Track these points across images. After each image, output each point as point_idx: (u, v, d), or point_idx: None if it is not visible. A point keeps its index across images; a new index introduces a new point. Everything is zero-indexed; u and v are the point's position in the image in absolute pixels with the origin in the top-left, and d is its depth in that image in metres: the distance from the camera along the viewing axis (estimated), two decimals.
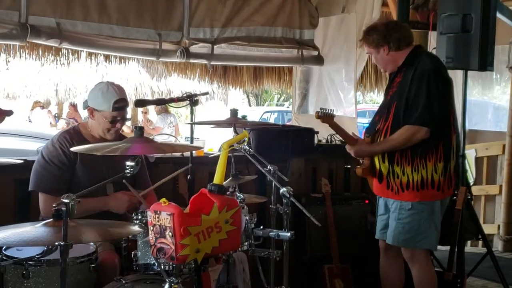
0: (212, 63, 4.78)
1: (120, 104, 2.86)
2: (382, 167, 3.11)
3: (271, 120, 15.47)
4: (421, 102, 2.95)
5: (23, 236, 1.97)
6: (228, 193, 2.77)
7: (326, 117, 3.11)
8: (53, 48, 5.19)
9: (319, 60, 5.10)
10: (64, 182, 2.76)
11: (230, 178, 2.95)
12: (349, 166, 4.23)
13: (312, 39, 5.01)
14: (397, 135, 3.01)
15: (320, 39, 5.13)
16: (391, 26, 3.13)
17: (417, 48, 3.15)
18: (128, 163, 2.13)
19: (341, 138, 4.29)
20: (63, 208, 1.84)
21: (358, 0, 4.88)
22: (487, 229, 5.25)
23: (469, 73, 3.84)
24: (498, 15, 4.10)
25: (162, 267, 2.07)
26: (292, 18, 4.86)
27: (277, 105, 21.55)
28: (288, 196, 2.47)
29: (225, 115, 3.10)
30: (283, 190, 2.48)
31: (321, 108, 3.12)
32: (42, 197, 2.77)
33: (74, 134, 2.88)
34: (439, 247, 4.05)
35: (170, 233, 1.77)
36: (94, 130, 2.91)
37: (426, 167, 3.02)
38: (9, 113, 2.36)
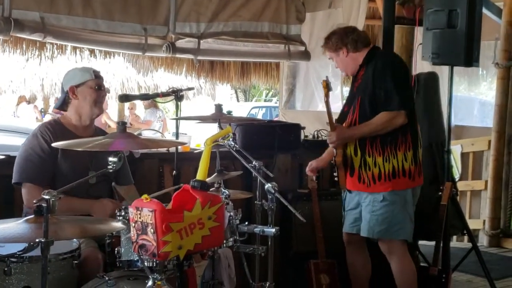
0: (199, 58, 4.74)
1: (98, 73, 2.90)
2: (354, 160, 3.21)
3: (259, 116, 15.45)
4: (393, 89, 3.10)
5: (4, 232, 1.95)
6: (213, 188, 2.77)
7: (329, 88, 3.25)
8: (37, 42, 5.13)
9: (306, 55, 5.08)
10: (47, 171, 2.73)
11: (215, 174, 2.94)
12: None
13: (299, 34, 4.99)
14: (376, 119, 3.11)
15: (307, 34, 5.12)
16: (348, 30, 3.34)
17: (375, 48, 3.35)
18: (111, 158, 2.10)
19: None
20: (44, 205, 1.81)
21: None
22: (473, 224, 5.30)
23: (456, 69, 3.84)
24: (484, 10, 4.12)
25: (146, 263, 2.05)
26: (279, 13, 4.84)
27: (265, 100, 21.52)
28: (273, 192, 2.46)
29: (212, 111, 3.08)
30: (268, 186, 2.47)
31: (327, 76, 3.33)
32: (26, 188, 2.74)
33: (56, 125, 2.86)
34: (424, 242, 4.10)
35: (152, 230, 1.75)
36: (77, 114, 2.85)
37: (396, 157, 3.13)
38: None
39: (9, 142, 5.88)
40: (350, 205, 3.35)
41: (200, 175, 1.88)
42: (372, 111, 3.13)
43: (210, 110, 3.09)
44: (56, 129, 2.82)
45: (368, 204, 3.20)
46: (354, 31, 3.34)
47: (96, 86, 2.86)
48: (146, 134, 8.10)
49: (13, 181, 2.78)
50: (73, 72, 2.89)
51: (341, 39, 3.25)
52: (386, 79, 3.11)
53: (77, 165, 2.76)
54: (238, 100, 21.34)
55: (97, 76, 2.88)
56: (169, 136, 8.74)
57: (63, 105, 2.90)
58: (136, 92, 10.31)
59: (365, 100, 3.16)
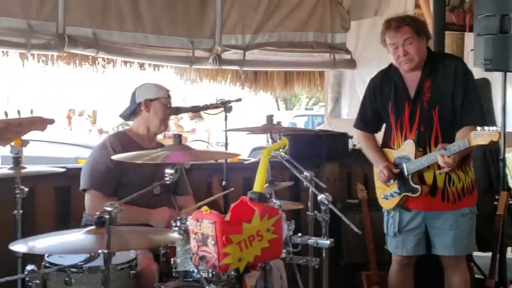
0: (244, 69, 4.79)
1: (170, 92, 3.05)
2: (438, 180, 2.98)
3: (301, 125, 15.41)
4: (476, 103, 2.94)
5: (67, 243, 2.00)
6: None
7: None
8: (89, 57, 5.28)
9: (351, 63, 5.06)
10: (113, 181, 2.83)
11: (267, 184, 2.94)
12: None
13: (344, 43, 4.98)
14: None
15: (352, 43, 5.09)
16: None
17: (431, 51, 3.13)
18: (168, 170, 2.14)
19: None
20: (107, 216, 1.86)
21: (390, 3, 4.83)
22: None
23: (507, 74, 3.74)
24: None
25: (202, 274, 2.07)
26: (324, 22, 4.84)
27: (306, 109, 21.45)
28: (327, 203, 2.45)
29: (255, 120, 3.10)
30: (321, 197, 2.45)
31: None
32: (90, 195, 2.84)
33: (123, 137, 2.98)
34: (480, 253, 3.98)
35: (212, 241, 1.77)
36: (145, 127, 2.96)
37: (470, 169, 3.05)
38: (51, 121, 2.40)
39: (62, 155, 6.08)
40: (411, 225, 3.08)
41: (257, 186, 1.88)
42: (454, 124, 2.93)
43: (254, 120, 3.11)
44: (124, 140, 2.93)
45: (446, 221, 2.99)
46: None
47: (168, 104, 2.98)
48: (193, 144, 8.22)
49: (80, 187, 2.89)
50: (149, 86, 3.00)
51: (425, 26, 3.05)
52: (468, 87, 2.92)
53: (142, 175, 2.85)
54: (278, 109, 21.34)
55: (169, 96, 3.02)
56: (214, 147, 8.81)
57: (131, 115, 3.01)
58: (180, 104, 10.47)
59: (445, 108, 2.93)
